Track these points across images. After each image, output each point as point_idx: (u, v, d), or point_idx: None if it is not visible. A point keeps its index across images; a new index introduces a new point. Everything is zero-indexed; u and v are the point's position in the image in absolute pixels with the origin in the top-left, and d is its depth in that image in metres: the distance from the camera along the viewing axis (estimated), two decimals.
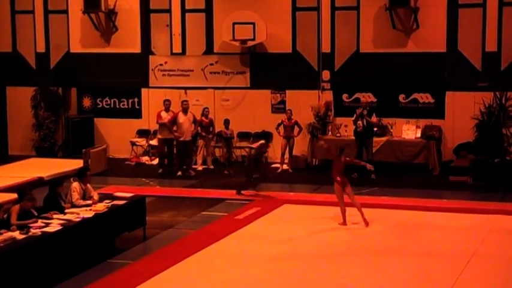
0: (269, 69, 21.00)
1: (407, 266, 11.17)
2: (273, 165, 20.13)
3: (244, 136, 21.18)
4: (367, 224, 13.52)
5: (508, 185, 16.73)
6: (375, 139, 19.08)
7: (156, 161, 20.41)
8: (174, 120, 19.25)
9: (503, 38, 19.21)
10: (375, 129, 19.20)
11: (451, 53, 19.61)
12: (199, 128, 19.76)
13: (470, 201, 15.72)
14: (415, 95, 20.02)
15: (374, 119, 18.79)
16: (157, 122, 19.75)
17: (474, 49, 19.41)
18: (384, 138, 19.49)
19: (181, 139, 19.19)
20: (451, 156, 19.28)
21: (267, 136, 20.69)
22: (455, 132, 19.32)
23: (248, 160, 17.37)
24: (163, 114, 19.61)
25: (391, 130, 19.82)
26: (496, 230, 13.28)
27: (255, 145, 18.76)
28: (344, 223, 13.60)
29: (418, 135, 19.52)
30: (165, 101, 19.92)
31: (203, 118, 19.81)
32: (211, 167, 20.13)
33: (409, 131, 19.69)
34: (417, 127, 19.65)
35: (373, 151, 18.79)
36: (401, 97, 20.15)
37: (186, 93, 21.33)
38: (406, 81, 20.01)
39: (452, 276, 10.60)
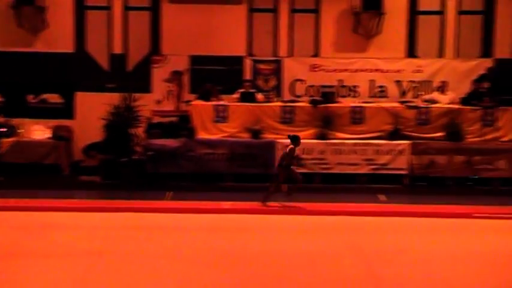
0: None
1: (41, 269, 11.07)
2: None
3: None
4: None
5: (134, 183, 17.42)
6: (3, 140, 18.65)
7: None
8: None
9: (130, 40, 19.94)
10: (3, 129, 18.77)
11: (79, 54, 19.86)
12: None
13: (100, 200, 16.04)
14: (45, 95, 19.96)
15: (1, 119, 18.39)
16: None
17: (101, 50, 19.89)
18: (12, 139, 19.10)
19: None
20: (81, 156, 19.53)
21: None
22: (85, 133, 19.59)
23: (282, 168, 14.77)
24: None
25: (20, 131, 19.50)
26: (124, 227, 13.68)
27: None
28: None
29: (49, 135, 19.48)
30: None
31: None
32: None
33: (39, 131, 19.55)
34: (47, 127, 19.60)
35: (1, 152, 18.33)
36: (30, 97, 19.94)
37: None
38: (34, 81, 19.84)
39: (78, 275, 10.71)
